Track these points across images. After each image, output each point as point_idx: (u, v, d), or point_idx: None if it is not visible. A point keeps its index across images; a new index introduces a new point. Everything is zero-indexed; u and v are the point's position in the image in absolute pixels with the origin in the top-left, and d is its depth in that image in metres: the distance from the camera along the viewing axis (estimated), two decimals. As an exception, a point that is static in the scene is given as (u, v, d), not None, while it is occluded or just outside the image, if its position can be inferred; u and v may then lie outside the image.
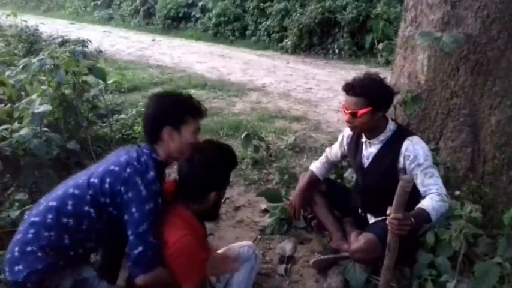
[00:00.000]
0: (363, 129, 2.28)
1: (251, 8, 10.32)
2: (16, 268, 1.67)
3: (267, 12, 9.90)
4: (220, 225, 2.93)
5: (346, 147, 2.53)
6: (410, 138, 2.22)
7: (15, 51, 7.01)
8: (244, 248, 2.16)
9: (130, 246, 1.72)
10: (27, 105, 3.18)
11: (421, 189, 2.14)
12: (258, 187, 3.42)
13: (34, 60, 3.32)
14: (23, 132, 2.88)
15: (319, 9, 8.68)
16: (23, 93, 3.84)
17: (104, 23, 13.62)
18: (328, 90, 6.37)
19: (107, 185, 1.71)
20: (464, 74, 2.72)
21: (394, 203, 1.81)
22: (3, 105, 3.61)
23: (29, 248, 1.68)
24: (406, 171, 2.19)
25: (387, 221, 1.85)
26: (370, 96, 2.16)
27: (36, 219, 1.72)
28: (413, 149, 2.17)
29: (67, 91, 3.50)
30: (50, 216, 1.71)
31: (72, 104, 3.40)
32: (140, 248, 1.69)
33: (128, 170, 1.72)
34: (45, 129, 3.09)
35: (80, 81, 3.44)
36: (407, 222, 1.84)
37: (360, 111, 2.16)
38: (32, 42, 7.50)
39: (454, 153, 2.78)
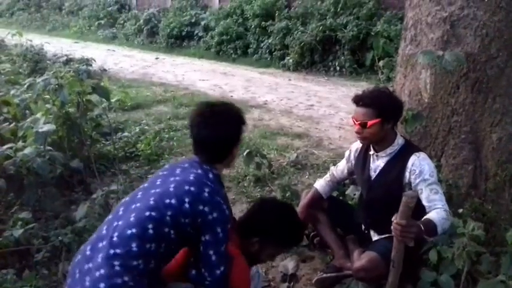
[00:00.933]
0: (372, 140, 2.31)
1: (253, 26, 10.44)
2: None
3: (269, 31, 9.99)
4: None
5: (353, 161, 2.55)
6: (417, 153, 2.25)
7: (20, 70, 7.11)
8: None
9: (211, 265, 1.73)
10: (32, 124, 3.22)
11: (426, 204, 2.15)
12: (261, 205, 3.41)
13: (39, 80, 3.37)
14: (26, 151, 2.91)
15: (320, 28, 8.77)
16: (27, 111, 3.89)
17: (108, 41, 13.78)
18: (330, 107, 6.41)
19: (187, 205, 1.68)
20: (465, 92, 2.74)
21: (399, 213, 1.82)
22: (7, 124, 3.65)
23: (119, 281, 1.58)
24: (411, 186, 2.21)
25: (392, 227, 1.86)
26: (379, 107, 2.21)
27: (118, 250, 1.61)
28: (419, 164, 2.20)
29: (71, 109, 3.54)
30: (134, 244, 1.62)
31: (76, 122, 3.43)
32: (222, 268, 1.75)
33: (207, 189, 1.72)
34: (49, 148, 3.12)
35: (84, 100, 3.47)
36: (411, 229, 1.85)
37: (370, 122, 2.21)
38: (36, 61, 7.57)
39: (455, 171, 2.78)
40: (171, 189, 1.72)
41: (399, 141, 2.32)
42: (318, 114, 6.10)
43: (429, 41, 2.87)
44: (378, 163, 2.37)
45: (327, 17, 9.06)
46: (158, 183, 1.78)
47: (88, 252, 1.66)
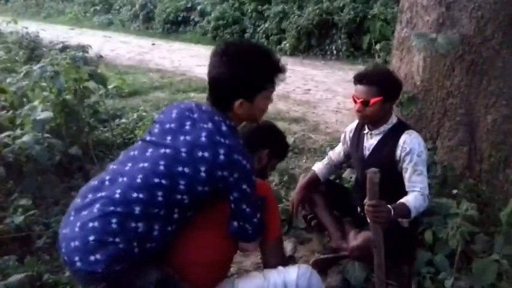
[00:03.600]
0: (372, 119, 2.33)
1: (249, 11, 10.35)
2: (92, 258, 1.49)
3: (265, 15, 9.93)
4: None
5: (349, 142, 2.58)
6: (409, 132, 2.29)
7: (16, 58, 7.06)
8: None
9: (247, 217, 1.67)
10: (29, 112, 3.23)
11: (407, 183, 2.22)
12: (258, 189, 3.44)
13: (35, 68, 3.37)
14: (25, 138, 2.93)
15: (317, 11, 8.71)
16: (25, 99, 3.89)
17: (104, 28, 13.66)
18: (327, 91, 6.41)
19: (203, 174, 1.55)
20: (460, 74, 2.75)
21: (367, 194, 1.85)
22: (5, 111, 3.65)
23: (110, 239, 1.49)
24: (400, 164, 2.27)
25: (365, 210, 1.89)
26: (381, 85, 2.23)
27: (118, 209, 1.51)
28: (410, 142, 2.24)
29: (68, 97, 3.55)
30: (137, 208, 1.52)
31: (73, 109, 3.45)
32: (258, 215, 1.71)
33: (222, 151, 1.54)
34: (47, 135, 3.14)
35: (81, 87, 3.48)
36: (382, 209, 1.89)
37: (372, 100, 2.23)
38: (32, 49, 7.51)
39: (451, 152, 2.81)
40: (183, 154, 1.56)
41: (393, 120, 2.36)
42: (315, 98, 6.10)
43: (425, 23, 2.87)
44: (371, 141, 2.40)
45: (324, 0, 8.99)
46: (168, 141, 1.61)
47: (87, 200, 1.58)
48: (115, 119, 4.69)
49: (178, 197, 1.56)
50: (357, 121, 2.53)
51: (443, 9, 2.77)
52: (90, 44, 7.93)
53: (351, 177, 3.02)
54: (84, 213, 1.55)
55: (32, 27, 8.70)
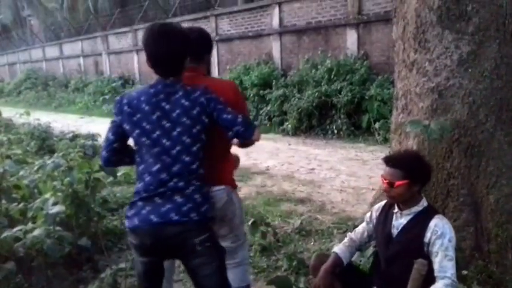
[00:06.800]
0: (398, 199, 2.38)
1: (252, 95, 10.86)
2: (184, 208, 1.97)
3: (267, 99, 10.40)
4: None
5: (375, 221, 2.57)
6: (439, 216, 2.33)
7: (28, 148, 7.31)
8: None
9: (232, 119, 2.12)
10: (41, 205, 3.30)
11: (437, 267, 2.18)
12: (268, 275, 3.41)
13: (48, 162, 3.50)
14: (36, 233, 2.96)
15: (316, 94, 9.14)
16: (35, 190, 3.98)
17: (113, 115, 14.19)
18: (330, 170, 6.52)
19: (204, 119, 2.10)
20: (459, 156, 2.85)
21: (409, 284, 1.84)
22: (16, 204, 3.72)
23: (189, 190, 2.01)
24: (429, 246, 2.26)
25: None
26: (407, 169, 2.30)
27: (175, 168, 2.02)
28: (443, 226, 2.26)
29: (79, 186, 3.64)
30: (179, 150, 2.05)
31: (84, 201, 3.52)
32: (239, 115, 2.14)
33: (201, 99, 2.10)
34: (58, 228, 3.18)
35: (92, 178, 3.58)
36: None
37: (397, 183, 2.29)
38: (44, 139, 7.79)
39: (458, 233, 2.81)
40: (187, 122, 2.07)
41: (424, 203, 2.39)
42: (319, 177, 6.19)
43: (419, 109, 3.02)
44: (401, 221, 2.41)
45: (322, 84, 9.46)
46: (168, 125, 2.09)
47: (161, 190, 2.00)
48: (124, 206, 4.75)
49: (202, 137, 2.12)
50: (385, 201, 2.57)
51: (436, 96, 2.93)
52: (99, 131, 8.23)
53: (360, 260, 3.00)
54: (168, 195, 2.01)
55: (43, 117, 9.11)
